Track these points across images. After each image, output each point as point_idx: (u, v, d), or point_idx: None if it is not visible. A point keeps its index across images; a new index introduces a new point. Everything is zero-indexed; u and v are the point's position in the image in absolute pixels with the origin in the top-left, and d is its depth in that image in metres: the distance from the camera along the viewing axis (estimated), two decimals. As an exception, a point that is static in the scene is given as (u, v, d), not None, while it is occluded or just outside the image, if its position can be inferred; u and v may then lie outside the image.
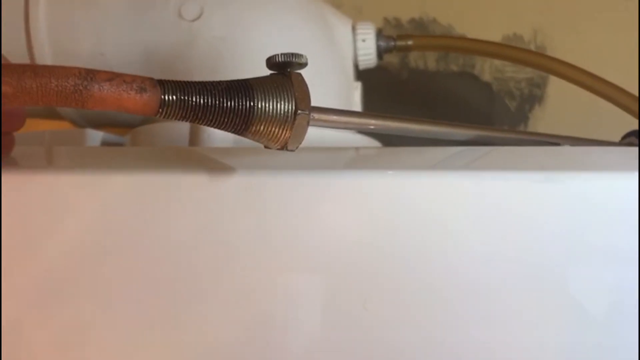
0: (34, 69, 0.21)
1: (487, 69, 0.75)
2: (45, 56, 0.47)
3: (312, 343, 0.27)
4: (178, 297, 0.27)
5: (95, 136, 0.47)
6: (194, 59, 0.43)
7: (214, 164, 0.28)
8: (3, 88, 0.21)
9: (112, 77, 0.22)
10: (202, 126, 0.39)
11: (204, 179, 0.27)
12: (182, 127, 0.41)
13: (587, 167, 0.28)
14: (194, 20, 0.44)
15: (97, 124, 0.52)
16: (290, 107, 0.25)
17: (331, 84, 0.46)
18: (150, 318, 0.27)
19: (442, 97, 0.77)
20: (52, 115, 0.54)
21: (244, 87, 0.24)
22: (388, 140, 0.46)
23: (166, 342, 0.27)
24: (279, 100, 0.25)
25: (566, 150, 0.35)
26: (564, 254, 0.26)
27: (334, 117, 0.28)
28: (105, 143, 0.47)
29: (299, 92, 0.25)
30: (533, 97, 0.75)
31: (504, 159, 0.31)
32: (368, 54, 0.50)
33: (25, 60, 0.48)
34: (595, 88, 0.46)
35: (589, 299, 0.26)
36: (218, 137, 0.38)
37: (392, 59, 0.76)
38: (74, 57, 0.47)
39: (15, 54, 0.48)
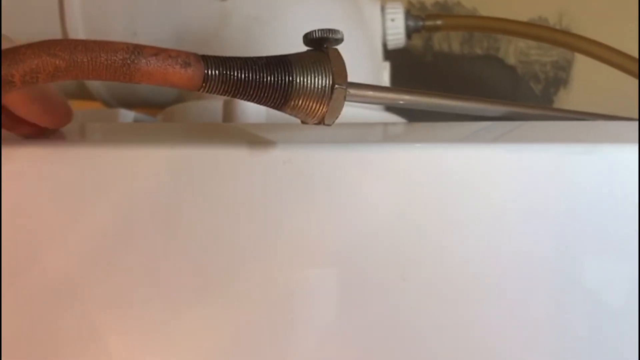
0: (84, 44, 0.22)
1: (511, 52, 0.75)
2: (79, 36, 0.48)
3: (353, 313, 0.27)
4: (217, 272, 0.27)
5: (127, 116, 0.47)
6: (226, 38, 0.44)
7: (252, 138, 0.28)
8: (57, 62, 0.22)
9: (158, 52, 0.23)
10: (235, 103, 0.40)
11: (244, 153, 0.27)
12: (215, 105, 0.42)
13: (623, 140, 0.28)
14: (225, 0, 0.45)
15: (128, 104, 0.53)
16: (327, 82, 0.25)
17: (361, 63, 0.46)
18: (189, 291, 0.27)
19: (466, 80, 0.77)
20: (84, 95, 0.55)
21: (283, 63, 0.25)
22: (414, 117, 0.46)
23: (207, 316, 0.28)
24: (316, 75, 0.25)
25: (599, 124, 0.35)
26: (604, 226, 0.26)
27: (369, 93, 0.28)
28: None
29: (336, 67, 0.25)
30: (558, 80, 0.75)
31: (536, 132, 0.31)
32: (397, 34, 0.50)
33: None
34: (625, 66, 0.45)
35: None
36: (251, 114, 0.39)
37: (416, 41, 0.76)
38: (106, 37, 0.47)
39: (48, 34, 0.49)
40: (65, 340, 0.28)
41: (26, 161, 0.28)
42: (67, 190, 0.27)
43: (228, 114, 0.40)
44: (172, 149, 0.28)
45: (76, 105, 0.58)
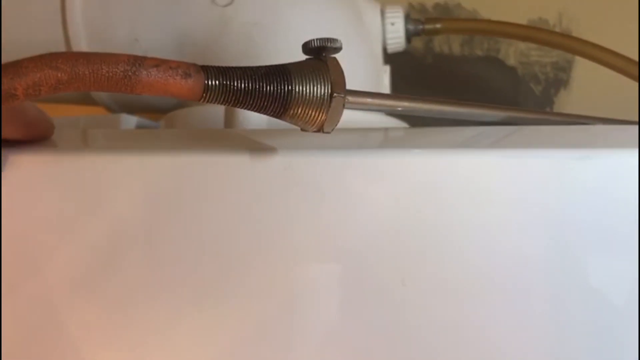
0: (86, 57, 0.23)
1: (512, 53, 0.75)
2: (81, 43, 0.49)
3: (352, 318, 0.27)
4: (217, 277, 0.27)
5: (130, 121, 0.48)
6: (227, 44, 0.44)
7: (253, 145, 0.29)
8: (59, 74, 0.22)
9: (159, 63, 0.24)
10: (236, 109, 0.40)
11: (245, 159, 0.27)
12: (217, 111, 0.42)
13: (622, 144, 0.28)
14: (226, 6, 0.45)
15: (131, 109, 0.54)
16: (326, 91, 0.25)
17: (361, 67, 0.47)
18: (191, 298, 0.28)
19: (466, 82, 0.77)
20: (87, 101, 0.56)
21: (282, 72, 0.25)
22: (416, 122, 0.46)
23: (210, 321, 0.28)
24: (315, 84, 0.25)
25: (599, 129, 0.35)
26: (600, 231, 0.27)
27: (368, 100, 0.29)
28: (139, 128, 0.48)
29: (335, 76, 0.26)
30: (558, 81, 0.75)
31: (534, 137, 0.31)
32: (397, 38, 0.50)
33: (61, 47, 0.49)
34: (625, 69, 0.45)
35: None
36: (253, 119, 0.39)
37: (416, 43, 0.76)
38: (108, 43, 0.48)
39: (51, 41, 0.49)
40: (67, 344, 0.28)
41: (27, 168, 0.28)
42: (69, 197, 0.28)
43: (229, 120, 0.40)
44: (173, 156, 0.28)
45: (79, 111, 0.59)
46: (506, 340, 0.27)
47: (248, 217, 0.27)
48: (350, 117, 0.39)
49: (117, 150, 0.29)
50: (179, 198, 0.28)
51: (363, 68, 0.47)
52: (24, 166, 0.28)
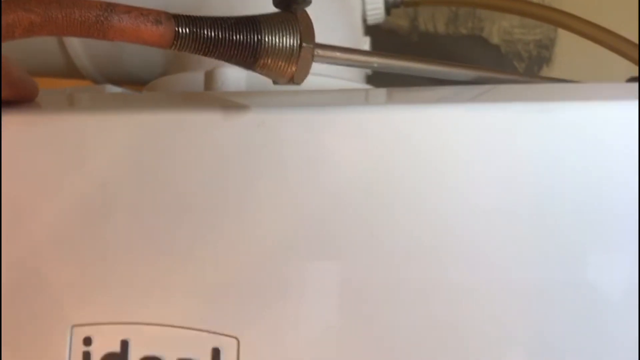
0: (59, 1, 0.23)
1: (495, 31, 0.76)
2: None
3: (326, 276, 0.28)
4: (193, 236, 0.28)
5: (115, 92, 0.48)
6: (209, 12, 0.45)
7: (227, 104, 0.29)
8: (32, 17, 0.23)
9: (130, 10, 0.24)
10: (216, 74, 0.41)
11: (218, 117, 0.28)
12: (197, 77, 0.43)
13: (590, 98, 0.28)
14: (207, -25, 0.45)
15: (117, 81, 0.54)
16: (295, 41, 0.26)
17: (340, 38, 0.47)
18: (170, 254, 0.28)
19: (451, 60, 0.77)
20: (73, 74, 0.56)
21: (252, 22, 0.26)
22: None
23: (180, 284, 0.28)
24: (284, 34, 0.26)
25: (569, 86, 0.35)
26: (571, 186, 0.26)
27: (338, 54, 0.29)
28: (123, 98, 0.49)
29: (304, 27, 0.26)
30: (541, 59, 0.75)
31: (505, 94, 0.31)
32: (376, 9, 0.51)
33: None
34: (607, 42, 0.46)
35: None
36: (231, 84, 0.40)
37: (401, 22, 0.76)
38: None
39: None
40: (50, 301, 0.29)
41: (12, 128, 0.28)
42: (53, 156, 0.28)
43: (209, 84, 0.41)
44: (147, 114, 0.29)
45: (66, 84, 0.59)
46: (483, 295, 0.27)
47: (222, 174, 0.28)
48: (329, 84, 0.40)
49: (98, 110, 0.30)
50: (157, 155, 0.28)
51: (342, 38, 0.48)
52: (9, 127, 0.28)
